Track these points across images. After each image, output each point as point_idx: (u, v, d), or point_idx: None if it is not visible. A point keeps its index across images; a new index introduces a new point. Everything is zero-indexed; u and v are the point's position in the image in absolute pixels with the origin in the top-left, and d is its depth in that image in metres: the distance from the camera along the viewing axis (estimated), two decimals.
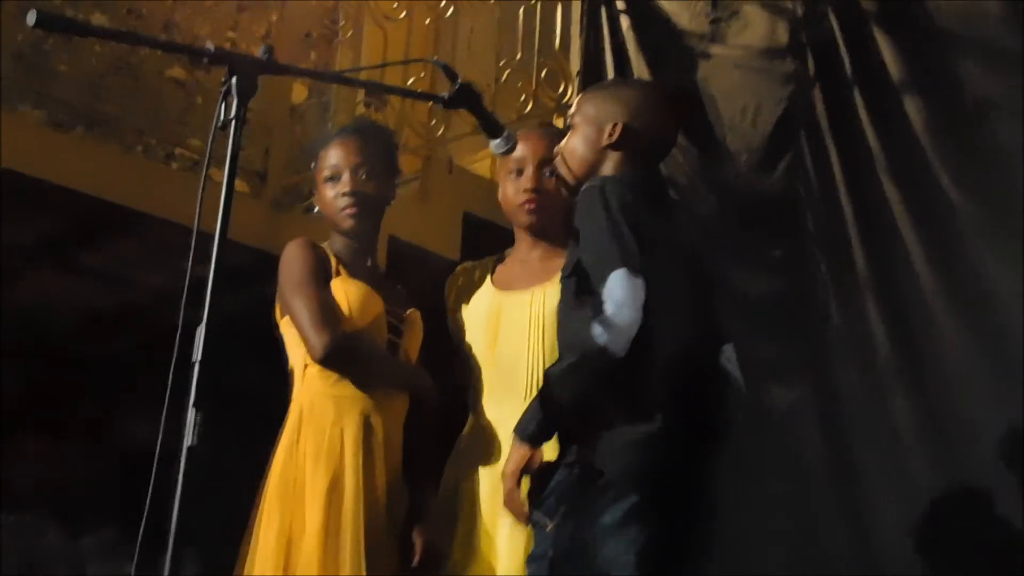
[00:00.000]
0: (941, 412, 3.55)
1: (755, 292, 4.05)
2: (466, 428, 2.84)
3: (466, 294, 2.94)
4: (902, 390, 3.65)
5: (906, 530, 3.48)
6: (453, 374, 2.92)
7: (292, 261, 2.76)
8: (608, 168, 2.48)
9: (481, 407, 2.78)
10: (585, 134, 2.53)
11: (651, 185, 2.52)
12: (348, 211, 2.83)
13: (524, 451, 2.30)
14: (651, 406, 2.25)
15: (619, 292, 2.18)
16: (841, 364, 3.82)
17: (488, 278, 2.92)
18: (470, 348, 2.85)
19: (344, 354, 2.67)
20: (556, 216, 2.77)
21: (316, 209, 3.01)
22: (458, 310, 2.93)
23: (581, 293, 2.28)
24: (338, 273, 2.78)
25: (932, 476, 3.50)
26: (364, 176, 2.84)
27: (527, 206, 2.81)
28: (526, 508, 2.34)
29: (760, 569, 3.61)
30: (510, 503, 2.36)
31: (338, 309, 2.70)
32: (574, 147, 2.54)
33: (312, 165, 2.96)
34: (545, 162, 2.78)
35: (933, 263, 3.68)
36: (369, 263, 2.92)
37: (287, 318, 2.77)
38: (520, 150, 2.73)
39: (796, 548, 3.66)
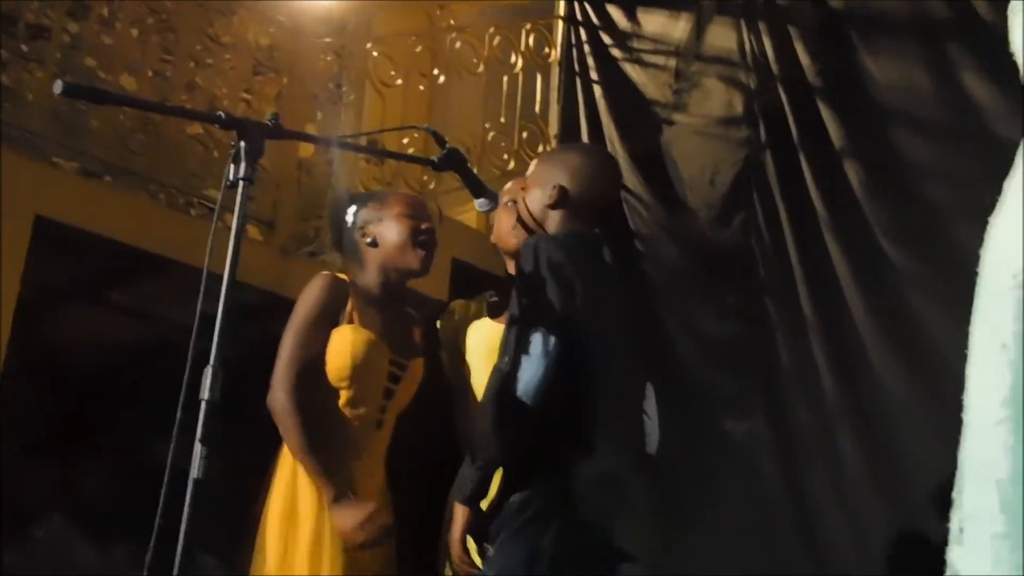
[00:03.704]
0: (881, 444, 3.55)
1: (713, 333, 4.07)
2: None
3: (463, 330, 2.84)
4: (846, 423, 3.64)
5: (852, 546, 3.48)
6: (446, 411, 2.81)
7: (305, 298, 2.66)
8: (552, 225, 2.44)
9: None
10: (534, 194, 2.51)
11: (587, 242, 2.44)
12: (428, 251, 2.75)
13: (466, 513, 2.22)
14: (579, 443, 2.21)
15: (533, 348, 2.14)
16: (790, 399, 3.83)
17: (485, 315, 2.84)
18: (471, 380, 2.74)
19: (276, 418, 2.58)
20: None
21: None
22: (456, 345, 2.83)
23: (511, 342, 2.21)
24: (351, 320, 2.66)
25: (874, 501, 3.49)
26: None
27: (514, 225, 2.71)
28: (476, 567, 2.26)
29: (717, 561, 3.59)
30: (461, 567, 2.29)
31: (321, 364, 2.61)
32: (527, 204, 2.52)
33: (364, 206, 2.84)
34: None
35: (871, 311, 3.69)
36: (393, 308, 2.79)
37: None
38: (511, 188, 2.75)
39: (752, 554, 3.64)
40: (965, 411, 1.44)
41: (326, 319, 2.64)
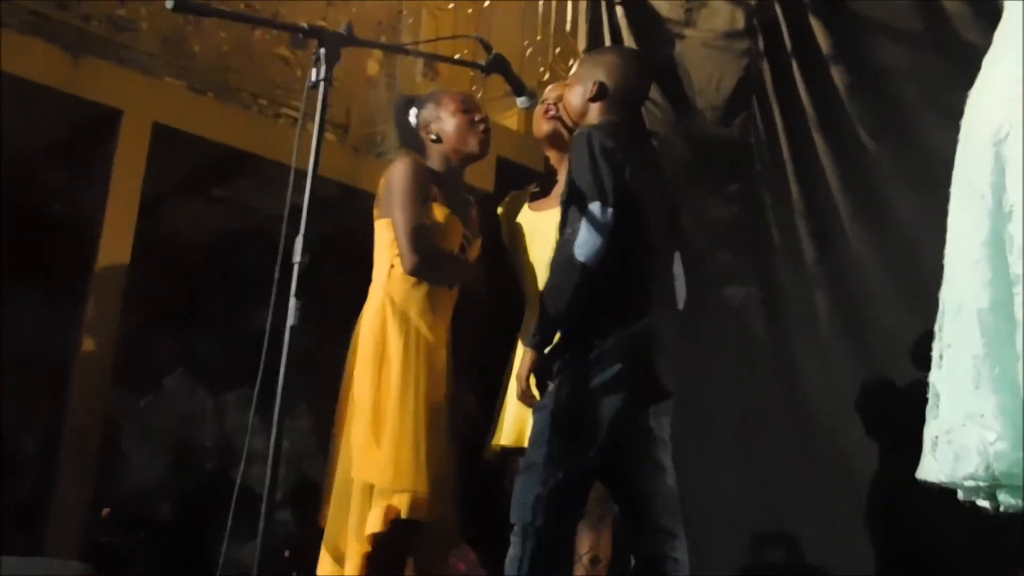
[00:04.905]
0: (852, 306, 3.55)
1: (717, 214, 4.06)
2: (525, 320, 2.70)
3: (513, 216, 2.80)
4: (823, 289, 3.65)
5: (825, 386, 3.51)
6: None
7: (402, 176, 2.54)
8: (593, 116, 2.38)
9: (527, 305, 2.65)
10: (576, 90, 2.43)
11: (627, 129, 2.37)
12: (485, 136, 2.66)
13: (532, 356, 2.20)
14: (628, 300, 2.21)
15: (592, 220, 2.13)
16: (779, 268, 3.82)
17: (526, 203, 2.78)
18: (520, 259, 2.71)
19: (427, 270, 2.53)
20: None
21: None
22: (509, 228, 2.78)
23: (571, 216, 2.19)
24: (435, 198, 2.58)
25: (846, 351, 3.51)
26: None
27: (546, 114, 2.68)
28: (537, 400, 2.24)
29: (716, 405, 3.64)
30: (524, 398, 2.26)
31: (429, 228, 2.54)
32: (569, 99, 2.46)
33: (423, 107, 2.72)
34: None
35: (849, 193, 3.65)
36: (457, 192, 2.70)
37: (385, 221, 2.58)
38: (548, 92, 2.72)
39: (745, 400, 3.70)
40: (946, 257, 1.40)
41: (421, 193, 2.55)
